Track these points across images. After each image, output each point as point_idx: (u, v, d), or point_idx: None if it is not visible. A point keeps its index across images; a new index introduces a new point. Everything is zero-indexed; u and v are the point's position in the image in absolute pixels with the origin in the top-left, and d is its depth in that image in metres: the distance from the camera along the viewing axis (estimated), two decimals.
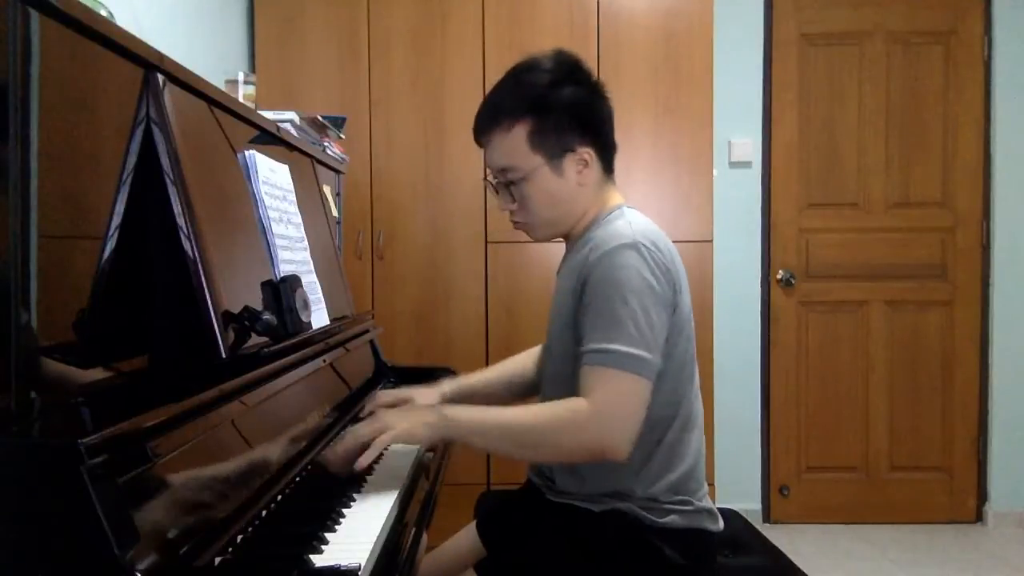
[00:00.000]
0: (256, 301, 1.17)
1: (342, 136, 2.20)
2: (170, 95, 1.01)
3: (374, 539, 0.95)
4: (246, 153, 1.29)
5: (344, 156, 2.18)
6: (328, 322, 1.50)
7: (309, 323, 1.35)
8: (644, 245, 1.19)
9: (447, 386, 1.64)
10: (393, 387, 1.78)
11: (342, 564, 0.85)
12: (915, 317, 3.22)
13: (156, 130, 0.96)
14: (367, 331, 1.83)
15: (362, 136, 2.67)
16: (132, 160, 0.94)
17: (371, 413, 1.52)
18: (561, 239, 1.39)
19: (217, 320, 0.99)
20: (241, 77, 2.04)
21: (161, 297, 1.00)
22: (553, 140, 1.26)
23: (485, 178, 1.39)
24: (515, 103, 1.27)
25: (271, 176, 1.37)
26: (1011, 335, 3.19)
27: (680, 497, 1.26)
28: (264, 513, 0.95)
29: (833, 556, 2.90)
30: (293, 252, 1.39)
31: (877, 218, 3.21)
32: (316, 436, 1.24)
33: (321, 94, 2.68)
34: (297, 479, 1.09)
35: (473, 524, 1.44)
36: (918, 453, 3.23)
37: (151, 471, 0.74)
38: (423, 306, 2.71)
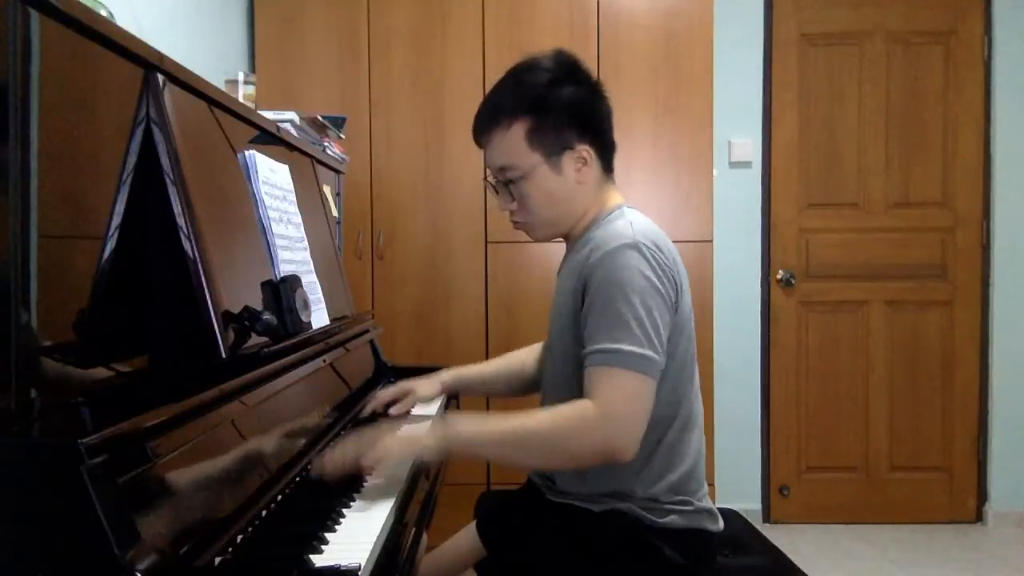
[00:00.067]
0: (256, 301, 1.17)
1: (342, 136, 2.20)
2: (170, 95, 1.01)
3: (374, 539, 0.95)
4: (246, 153, 1.29)
5: (344, 156, 2.18)
6: (328, 322, 1.50)
7: (309, 323, 1.35)
8: (645, 245, 1.19)
9: (447, 376, 1.64)
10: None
11: (342, 564, 0.85)
12: (915, 317, 3.22)
13: (156, 130, 0.96)
14: (367, 331, 1.83)
15: (362, 136, 2.67)
16: (132, 160, 0.94)
17: (373, 413, 1.53)
18: (561, 239, 1.39)
19: (217, 320, 0.99)
20: (241, 77, 2.04)
21: (161, 297, 1.00)
22: (552, 138, 1.27)
23: (485, 178, 1.39)
24: (514, 102, 1.27)
25: (271, 176, 1.37)
26: (1011, 335, 3.19)
27: (680, 497, 1.26)
28: (264, 513, 0.95)
29: (833, 556, 2.90)
30: (293, 252, 1.39)
31: (877, 218, 3.21)
32: (316, 436, 1.24)
33: (321, 94, 2.68)
34: (297, 479, 1.09)
35: (473, 524, 1.44)
36: (918, 453, 3.23)
37: (151, 471, 0.74)
38: (423, 306, 2.72)
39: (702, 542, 1.28)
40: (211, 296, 0.98)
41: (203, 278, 0.98)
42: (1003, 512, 3.19)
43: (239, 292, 1.10)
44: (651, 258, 1.18)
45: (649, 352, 1.13)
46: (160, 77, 0.99)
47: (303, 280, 1.35)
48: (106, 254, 0.88)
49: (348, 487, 1.14)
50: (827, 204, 3.22)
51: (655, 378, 1.15)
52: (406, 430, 1.21)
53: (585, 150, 1.28)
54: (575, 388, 1.19)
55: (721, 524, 1.31)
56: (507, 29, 2.67)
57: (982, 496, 3.24)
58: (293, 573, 0.83)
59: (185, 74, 1.07)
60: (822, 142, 3.21)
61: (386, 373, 1.90)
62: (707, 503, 1.31)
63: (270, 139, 1.47)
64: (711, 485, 1.43)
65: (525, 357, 1.63)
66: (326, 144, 2.01)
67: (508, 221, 1.39)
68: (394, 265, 2.71)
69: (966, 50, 3.17)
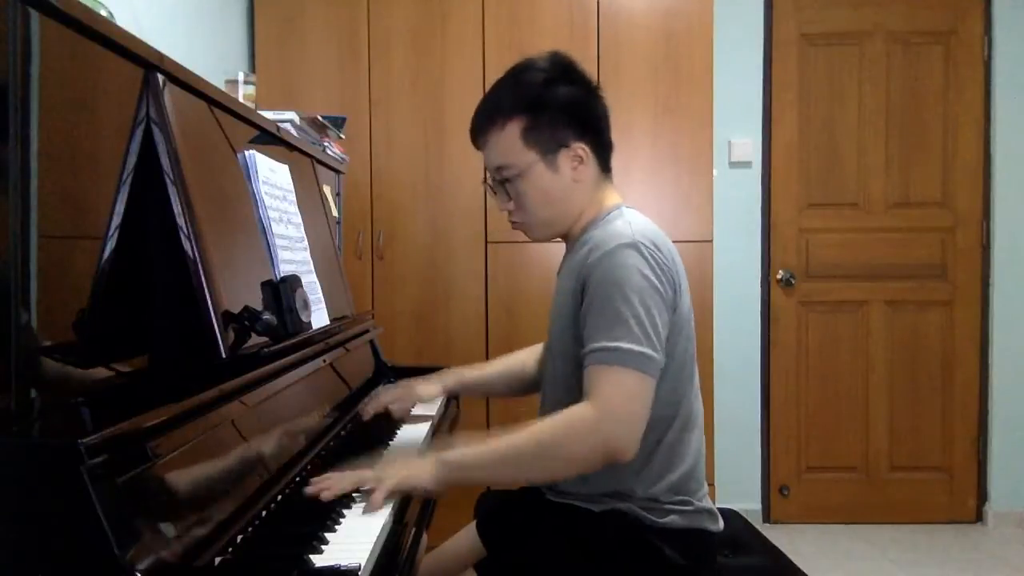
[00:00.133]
0: (256, 301, 1.17)
1: (342, 136, 2.20)
2: (170, 95, 1.01)
3: (374, 539, 0.95)
4: (246, 153, 1.29)
5: (344, 156, 2.18)
6: (328, 322, 1.50)
7: (309, 323, 1.35)
8: (644, 244, 1.19)
9: (449, 378, 1.65)
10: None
11: (342, 564, 0.85)
12: (915, 317, 3.22)
13: (156, 130, 0.96)
14: (367, 331, 1.84)
15: (362, 136, 2.67)
16: (132, 160, 0.94)
17: (375, 416, 1.53)
18: (560, 239, 1.39)
19: (217, 320, 0.99)
20: (241, 77, 2.04)
21: (161, 297, 1.00)
22: (547, 136, 1.27)
23: (485, 181, 1.39)
24: (509, 101, 1.28)
25: (271, 176, 1.37)
26: (1011, 335, 3.19)
27: (680, 497, 1.26)
28: (264, 513, 0.95)
29: (833, 556, 2.90)
30: (293, 252, 1.39)
31: (877, 218, 3.21)
32: (316, 436, 1.24)
33: (321, 94, 2.68)
34: (297, 479, 1.09)
35: (473, 524, 1.44)
36: (918, 453, 3.23)
37: (151, 471, 0.74)
38: (423, 306, 2.71)
39: (702, 542, 1.28)
40: (211, 296, 0.98)
41: (203, 278, 0.98)
42: (1003, 512, 3.19)
43: (239, 292, 1.10)
44: (649, 257, 1.18)
45: (648, 350, 1.13)
46: (160, 77, 0.99)
47: (303, 280, 1.35)
48: (106, 254, 0.88)
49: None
50: (827, 204, 3.21)
51: (654, 376, 1.15)
52: (401, 462, 1.18)
53: (581, 148, 1.29)
54: (575, 388, 1.19)
55: (721, 524, 1.32)
56: (507, 29, 2.67)
57: (982, 496, 3.24)
58: (293, 573, 0.83)
59: (185, 74, 1.07)
60: (822, 142, 3.21)
61: (386, 373, 1.91)
62: (707, 503, 1.31)
63: (270, 139, 1.47)
64: (711, 485, 1.43)
65: (525, 358, 1.64)
66: (326, 144, 2.01)
67: (508, 221, 1.39)
68: (394, 265, 2.71)
69: (966, 50, 3.17)
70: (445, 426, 1.68)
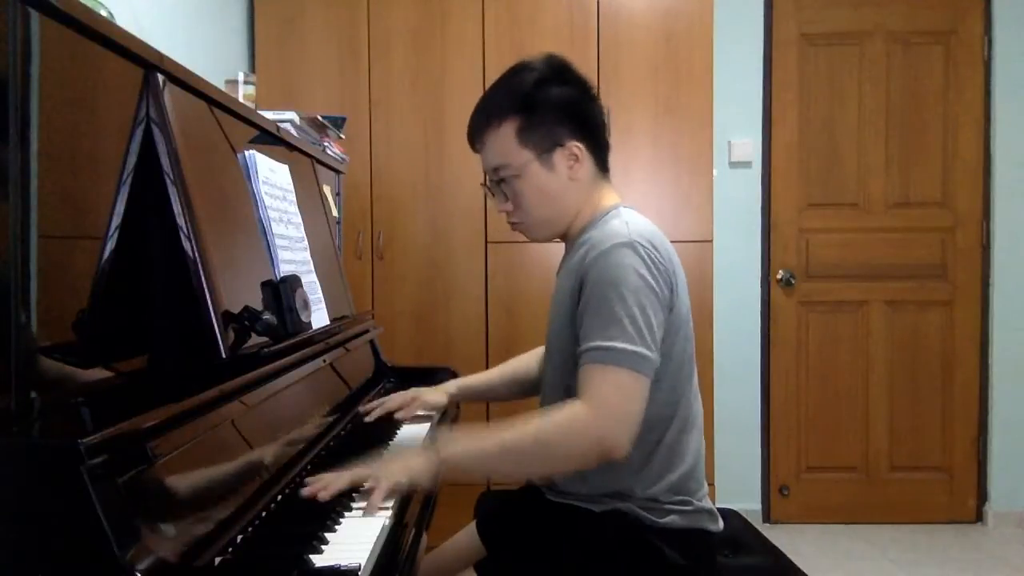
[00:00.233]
0: (256, 301, 1.17)
1: (342, 136, 2.20)
2: (170, 95, 1.01)
3: (374, 539, 0.95)
4: (246, 153, 1.29)
5: (344, 156, 2.18)
6: (328, 322, 1.50)
7: (309, 323, 1.35)
8: (641, 244, 1.19)
9: (453, 386, 1.66)
10: (393, 387, 1.78)
11: (342, 564, 0.85)
12: (915, 317, 3.22)
13: (156, 130, 0.96)
14: (367, 331, 1.83)
15: (362, 136, 2.67)
16: (132, 160, 0.94)
17: (378, 419, 1.53)
18: (560, 240, 1.39)
19: (217, 320, 0.99)
20: (241, 77, 2.04)
21: (161, 297, 1.00)
22: (541, 134, 1.28)
23: (484, 184, 1.40)
24: (504, 102, 1.29)
25: (271, 176, 1.37)
26: (1011, 335, 3.18)
27: (680, 497, 1.26)
28: (264, 513, 0.95)
29: (833, 556, 2.90)
30: (293, 252, 1.39)
31: (877, 218, 3.21)
32: (316, 436, 1.24)
33: (321, 94, 2.68)
34: (297, 479, 1.09)
35: (473, 524, 1.44)
36: (918, 453, 3.23)
37: (151, 471, 0.74)
38: (423, 306, 2.71)
39: (702, 542, 1.28)
40: (211, 296, 0.98)
41: (203, 278, 0.98)
42: (1003, 512, 3.19)
43: (239, 292, 1.10)
44: (646, 257, 1.18)
45: (643, 350, 1.13)
46: (160, 77, 0.99)
47: (303, 280, 1.35)
48: (106, 254, 0.88)
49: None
50: (827, 204, 3.21)
51: (649, 376, 1.15)
52: (397, 456, 1.18)
53: (576, 146, 1.29)
54: (573, 388, 1.19)
55: (721, 524, 1.32)
56: (507, 29, 2.67)
57: (982, 496, 3.24)
58: (293, 573, 0.83)
59: (185, 74, 1.07)
60: (822, 142, 3.21)
61: (386, 373, 1.91)
62: (707, 503, 1.31)
63: (270, 139, 1.47)
64: (711, 485, 1.43)
65: (528, 361, 1.64)
66: (326, 144, 2.01)
67: (507, 223, 1.39)
68: (394, 265, 2.71)
69: (966, 50, 3.17)
70: (445, 426, 1.68)
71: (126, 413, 0.74)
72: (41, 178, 0.76)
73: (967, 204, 3.20)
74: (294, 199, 1.46)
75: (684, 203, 2.67)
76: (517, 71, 1.32)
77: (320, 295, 1.50)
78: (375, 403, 1.58)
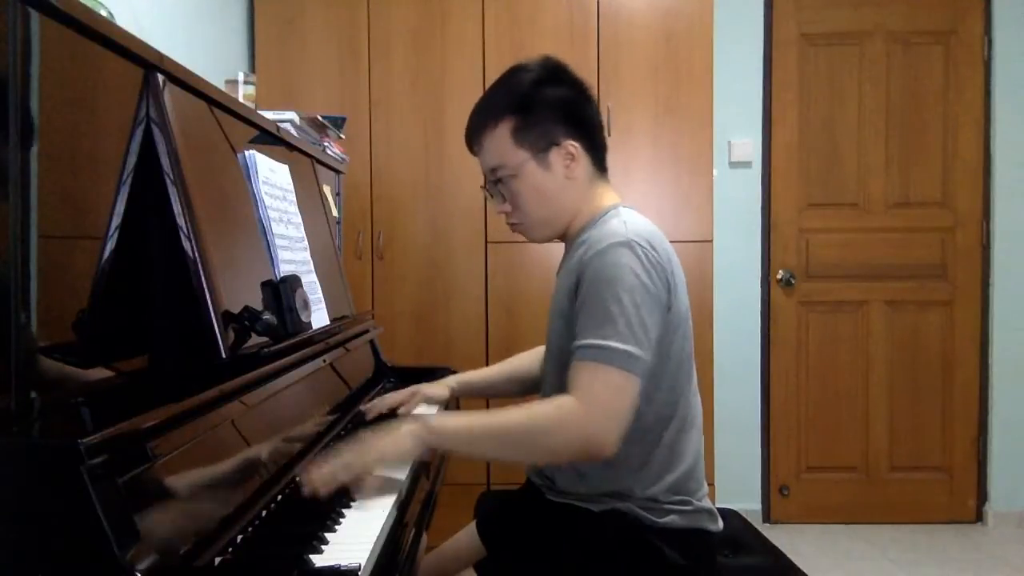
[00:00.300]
0: (256, 301, 1.17)
1: (342, 136, 2.20)
2: (170, 95, 1.01)
3: (374, 539, 0.95)
4: (246, 153, 1.29)
5: (344, 156, 2.18)
6: (328, 322, 1.50)
7: (309, 323, 1.35)
8: (638, 243, 1.19)
9: (454, 380, 1.66)
10: (393, 387, 1.78)
11: (342, 564, 0.85)
12: (915, 317, 3.22)
13: (156, 130, 0.96)
14: (367, 331, 1.84)
15: (362, 136, 2.67)
16: (132, 160, 0.94)
17: (378, 415, 1.53)
18: (559, 240, 1.39)
19: (217, 320, 0.99)
20: (241, 77, 2.04)
21: (161, 297, 1.00)
22: (537, 134, 1.29)
23: (483, 186, 1.40)
24: (500, 103, 1.31)
25: (271, 176, 1.37)
26: (1011, 335, 3.18)
27: (680, 497, 1.26)
28: (264, 513, 0.95)
29: (833, 556, 2.90)
30: (293, 252, 1.40)
31: (877, 218, 3.21)
32: (316, 436, 1.24)
33: (321, 94, 2.68)
34: (297, 479, 1.09)
35: (473, 524, 1.44)
36: (918, 453, 3.23)
37: (151, 471, 0.74)
38: (423, 306, 2.72)
39: (702, 542, 1.28)
40: (211, 296, 0.98)
41: (203, 278, 0.98)
42: (1003, 512, 3.19)
43: (239, 292, 1.10)
44: (643, 256, 1.18)
45: (635, 349, 1.13)
46: (160, 77, 0.99)
47: (303, 280, 1.35)
48: (106, 254, 0.88)
49: (347, 488, 1.13)
50: (827, 204, 3.21)
51: (640, 375, 1.15)
52: (383, 432, 1.19)
53: (572, 145, 1.30)
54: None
55: (721, 524, 1.31)
56: (507, 29, 2.67)
57: (982, 496, 3.24)
58: (293, 573, 0.83)
59: (185, 74, 1.07)
60: (822, 142, 3.21)
61: (386, 373, 1.91)
62: (707, 503, 1.31)
63: (270, 139, 1.47)
64: (711, 485, 1.43)
65: (531, 359, 1.65)
66: (326, 144, 2.01)
67: (506, 224, 1.39)
68: (394, 265, 2.71)
69: (966, 50, 3.17)
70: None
71: (126, 413, 0.74)
72: (41, 178, 0.76)
73: (967, 204, 3.20)
74: (294, 199, 1.46)
75: (684, 203, 2.67)
76: (513, 73, 1.33)
77: (320, 295, 1.50)
78: (376, 401, 1.58)
